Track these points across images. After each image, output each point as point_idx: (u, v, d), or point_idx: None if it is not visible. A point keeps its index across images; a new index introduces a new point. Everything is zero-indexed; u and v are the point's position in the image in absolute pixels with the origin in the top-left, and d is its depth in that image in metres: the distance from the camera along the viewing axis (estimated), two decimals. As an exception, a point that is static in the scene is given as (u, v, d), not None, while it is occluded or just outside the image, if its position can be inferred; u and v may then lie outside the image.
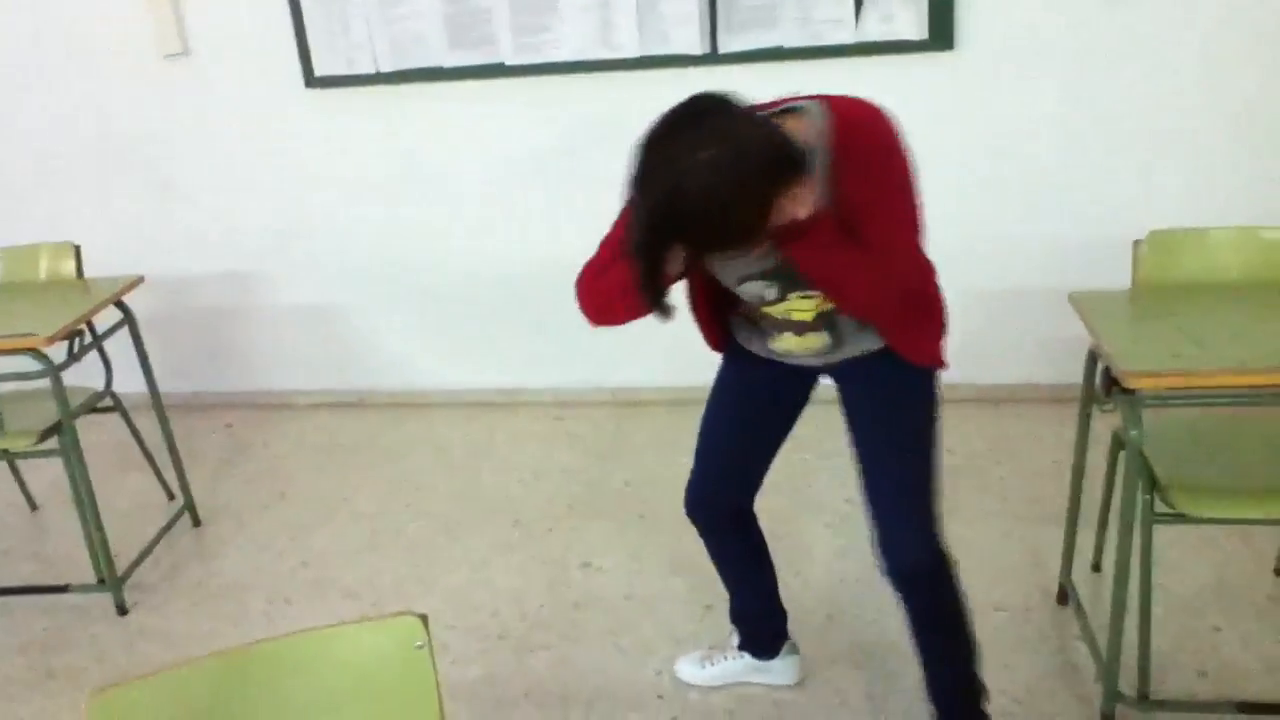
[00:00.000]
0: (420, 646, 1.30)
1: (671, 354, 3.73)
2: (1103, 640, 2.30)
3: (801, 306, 1.87)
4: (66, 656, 2.80)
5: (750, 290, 1.88)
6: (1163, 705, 2.29)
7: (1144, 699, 2.27)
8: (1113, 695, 2.23)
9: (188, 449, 3.50)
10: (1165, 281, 2.46)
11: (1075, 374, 2.48)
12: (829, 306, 1.87)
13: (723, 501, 2.21)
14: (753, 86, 3.32)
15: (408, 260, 4.01)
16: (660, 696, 2.47)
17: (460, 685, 2.55)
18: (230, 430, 4.09)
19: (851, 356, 1.96)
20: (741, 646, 2.46)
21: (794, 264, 1.73)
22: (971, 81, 3.46)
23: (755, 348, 2.03)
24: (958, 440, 3.47)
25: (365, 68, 3.71)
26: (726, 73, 3.52)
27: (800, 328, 1.91)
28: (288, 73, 3.77)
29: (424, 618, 1.31)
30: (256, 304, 4.16)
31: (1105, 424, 2.42)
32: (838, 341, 1.93)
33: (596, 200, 3.82)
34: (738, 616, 2.45)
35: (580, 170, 3.78)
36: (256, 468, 3.77)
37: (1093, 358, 2.36)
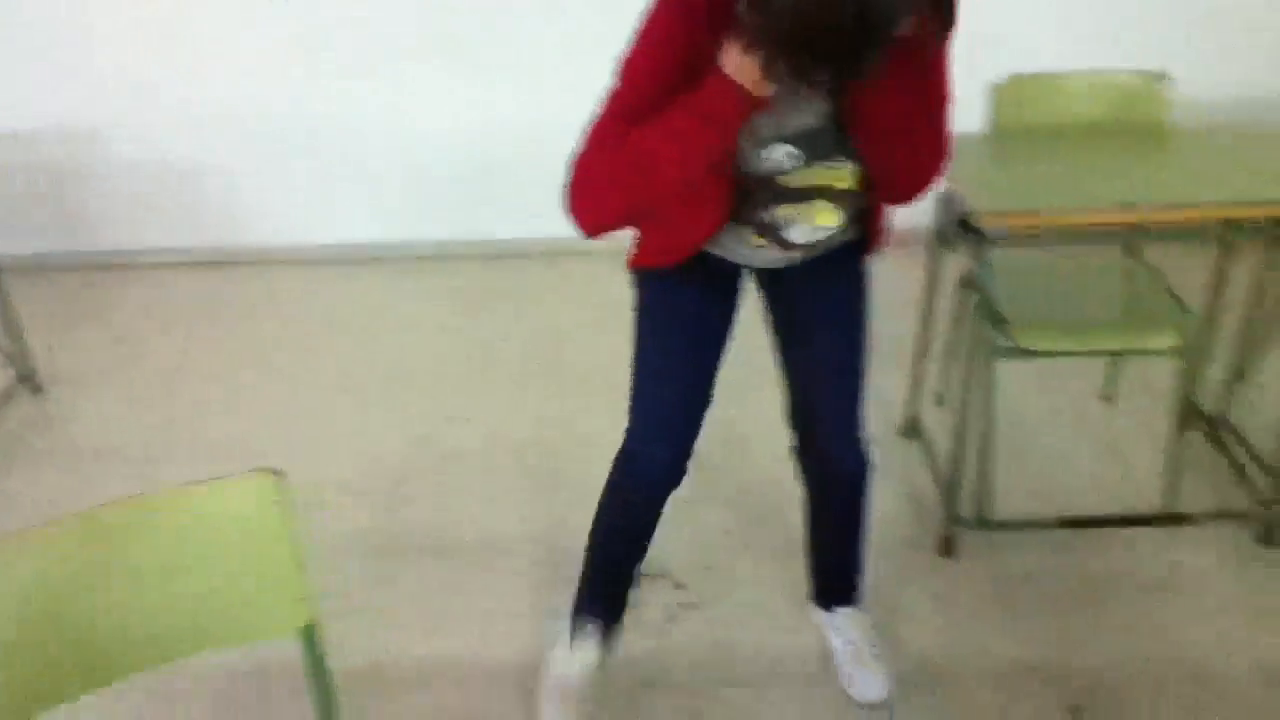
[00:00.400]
0: (276, 502, 1.30)
1: (545, 204, 3.68)
2: (946, 469, 2.44)
3: (838, 175, 1.59)
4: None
5: (773, 157, 1.56)
6: (998, 526, 2.45)
7: (982, 521, 2.43)
8: (953, 519, 2.39)
9: (28, 315, 3.32)
10: (1020, 125, 2.52)
11: (923, 218, 2.55)
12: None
13: (682, 452, 1.90)
14: None
15: (269, 111, 3.80)
16: (532, 540, 2.53)
17: (335, 539, 2.56)
18: (76, 294, 3.89)
19: (829, 248, 1.73)
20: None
21: (855, 115, 1.52)
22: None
23: (716, 249, 1.75)
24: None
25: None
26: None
27: (836, 198, 1.62)
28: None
29: (279, 473, 1.30)
30: (102, 161, 3.90)
31: (953, 267, 2.51)
32: (843, 225, 1.68)
33: (473, 44, 3.70)
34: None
35: (456, 14, 3.62)
36: (104, 331, 3.62)
37: (944, 201, 2.42)
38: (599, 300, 3.54)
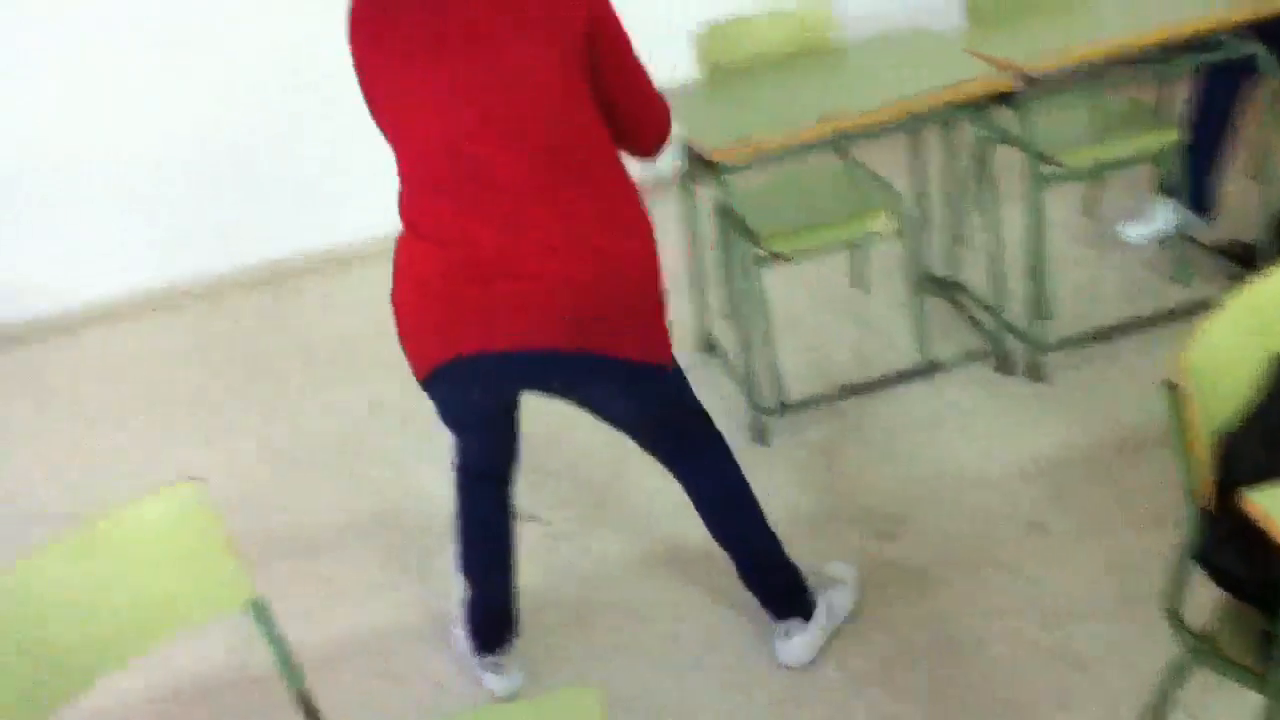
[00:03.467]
0: (202, 503, 1.52)
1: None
2: (741, 371, 2.83)
3: None
4: None
5: None
6: (793, 407, 2.87)
7: (782, 406, 2.84)
8: (757, 409, 2.78)
9: None
10: (724, 64, 2.91)
11: (669, 163, 2.91)
12: None
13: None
14: None
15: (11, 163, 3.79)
16: (396, 520, 2.78)
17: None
18: None
19: None
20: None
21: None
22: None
23: None
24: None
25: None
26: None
27: None
28: None
29: (200, 480, 1.53)
30: None
31: (705, 200, 2.88)
32: None
33: (232, 76, 3.75)
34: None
35: (217, 43, 3.71)
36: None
37: (683, 145, 2.79)
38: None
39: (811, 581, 2.17)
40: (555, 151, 1.68)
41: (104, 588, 1.48)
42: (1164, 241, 3.24)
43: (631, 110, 1.77)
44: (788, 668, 2.15)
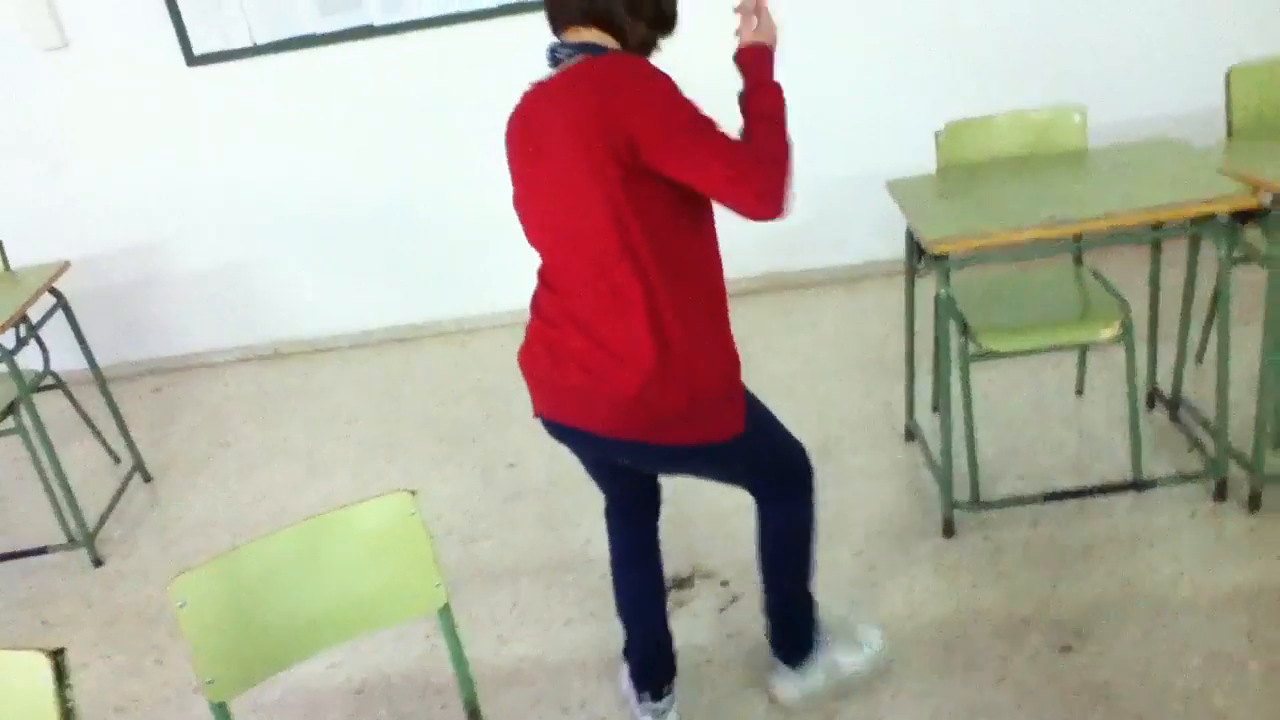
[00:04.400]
0: (413, 514, 1.72)
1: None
2: (941, 464, 2.83)
3: None
4: (58, 608, 3.13)
5: None
6: (990, 504, 2.85)
7: (975, 502, 2.83)
8: (949, 503, 2.78)
9: (123, 416, 3.78)
10: (962, 162, 2.96)
11: (900, 252, 2.99)
12: None
13: None
14: None
15: (301, 215, 4.32)
16: (589, 560, 2.94)
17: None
18: (159, 394, 4.38)
19: None
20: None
21: None
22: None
23: None
24: (815, 318, 4.00)
25: (241, 41, 3.96)
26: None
27: None
28: (167, 54, 4.00)
29: (413, 492, 1.73)
30: (164, 272, 4.42)
31: (933, 288, 2.93)
32: None
33: (467, 144, 4.18)
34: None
35: (452, 118, 4.12)
36: (192, 423, 4.09)
37: (910, 233, 2.86)
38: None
39: (829, 635, 2.34)
40: (601, 267, 1.84)
41: (315, 578, 1.70)
42: None
43: (710, 185, 1.75)
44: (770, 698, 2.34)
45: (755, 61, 1.91)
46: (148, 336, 4.54)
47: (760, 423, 2.04)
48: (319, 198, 4.29)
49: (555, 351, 1.95)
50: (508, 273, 4.33)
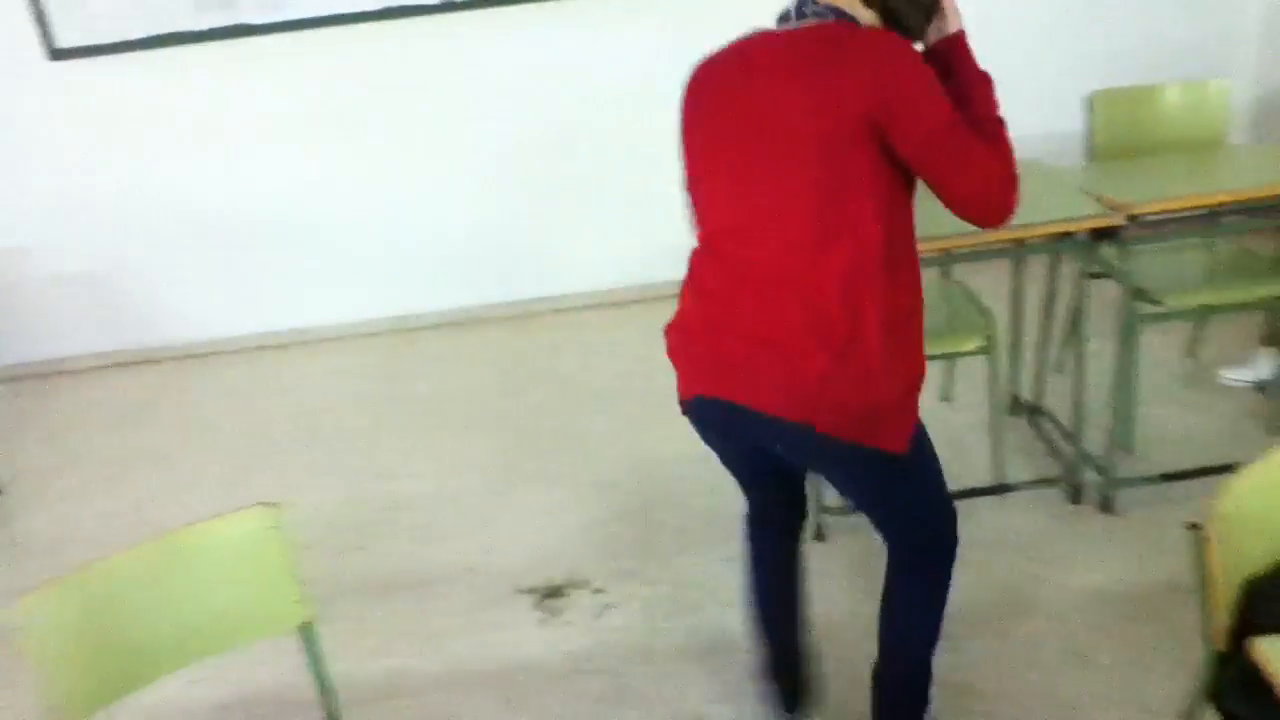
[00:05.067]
0: (274, 528, 1.67)
1: (442, 278, 4.12)
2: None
3: None
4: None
5: None
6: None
7: (845, 508, 2.88)
8: (819, 508, 2.83)
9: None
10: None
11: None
12: None
13: None
14: (496, 32, 3.70)
15: (169, 219, 4.18)
16: (469, 570, 2.90)
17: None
18: (11, 402, 4.17)
19: None
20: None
21: None
22: None
23: None
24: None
25: (110, 36, 3.81)
26: (463, 17, 3.85)
27: None
28: (27, 47, 3.82)
29: (274, 505, 1.68)
30: (23, 276, 4.22)
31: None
32: None
33: (351, 148, 4.12)
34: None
35: (332, 120, 4.04)
36: (46, 433, 3.91)
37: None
38: (500, 360, 3.97)
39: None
40: (809, 241, 1.69)
41: (171, 595, 1.64)
42: (1264, 390, 3.19)
43: (953, 191, 1.69)
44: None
45: (964, 51, 1.81)
46: (2, 342, 4.32)
47: (923, 455, 1.89)
48: (187, 201, 4.16)
49: (723, 326, 1.80)
50: (379, 279, 4.30)
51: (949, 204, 1.71)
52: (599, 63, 4.02)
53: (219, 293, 4.33)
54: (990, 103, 1.78)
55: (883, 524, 1.98)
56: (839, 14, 1.71)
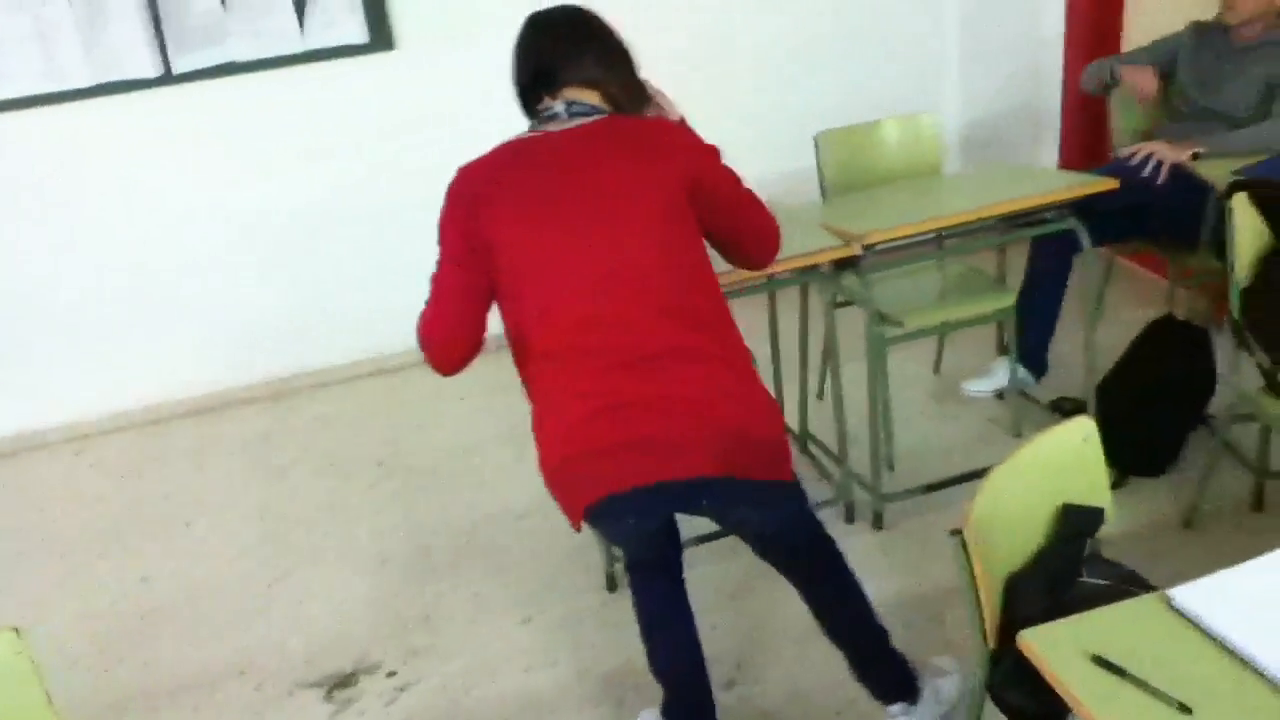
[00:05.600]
0: (19, 653, 1.51)
1: (195, 360, 3.90)
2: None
3: None
4: None
5: None
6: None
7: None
8: (608, 556, 2.83)
9: None
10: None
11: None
12: None
13: None
14: (211, 102, 3.62)
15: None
16: (242, 672, 2.72)
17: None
18: None
19: None
20: None
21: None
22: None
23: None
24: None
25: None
26: (184, 91, 3.69)
27: None
28: None
29: (20, 630, 1.52)
30: None
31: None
32: None
33: (67, 234, 3.84)
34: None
35: (38, 206, 3.78)
36: None
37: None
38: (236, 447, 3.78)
39: (917, 668, 2.26)
40: (675, 306, 1.84)
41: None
42: (1003, 397, 3.45)
43: (749, 235, 2.03)
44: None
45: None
46: None
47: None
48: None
49: (618, 414, 1.82)
50: (128, 365, 4.02)
51: (744, 246, 2.03)
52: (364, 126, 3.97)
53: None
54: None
55: (798, 537, 2.14)
56: (599, 110, 1.91)
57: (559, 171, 1.84)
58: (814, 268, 2.71)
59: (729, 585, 2.80)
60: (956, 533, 1.56)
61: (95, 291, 3.93)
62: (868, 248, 2.71)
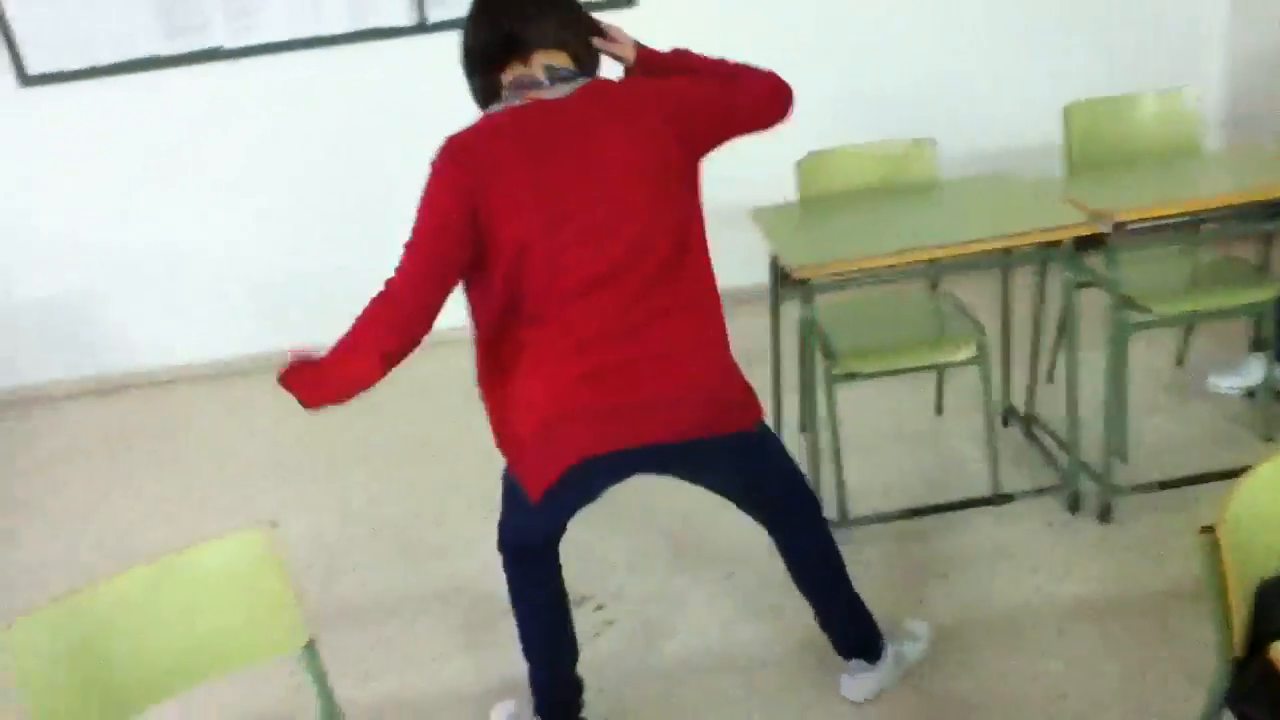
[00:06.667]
0: (268, 551, 1.63)
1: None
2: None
3: None
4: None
5: None
6: (855, 522, 2.89)
7: (842, 520, 2.86)
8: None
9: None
10: (823, 191, 3.02)
11: (763, 277, 3.02)
12: None
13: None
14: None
15: (138, 246, 4.13)
16: (458, 590, 2.86)
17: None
18: (-9, 432, 4.11)
19: None
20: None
21: None
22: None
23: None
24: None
25: (79, 63, 3.77)
26: (437, 40, 3.83)
27: None
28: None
29: (272, 525, 1.64)
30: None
31: (796, 313, 2.97)
32: None
33: (321, 172, 4.08)
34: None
35: (302, 146, 4.01)
36: (26, 460, 3.84)
37: (773, 260, 2.89)
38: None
39: (885, 630, 2.33)
40: (671, 265, 1.86)
41: (163, 621, 1.59)
42: (1254, 395, 3.20)
43: (759, 117, 1.98)
44: (851, 701, 2.31)
45: (655, 54, 2.03)
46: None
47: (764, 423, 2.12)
48: (163, 226, 4.11)
49: (607, 377, 1.86)
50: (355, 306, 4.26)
51: (760, 121, 1.98)
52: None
53: (190, 320, 4.28)
54: (706, 58, 2.02)
55: (784, 493, 2.17)
56: (576, 75, 1.88)
57: (557, 139, 1.80)
58: (1056, 244, 2.58)
59: (938, 559, 2.73)
60: (1208, 530, 1.45)
61: (337, 241, 4.17)
62: (1118, 225, 2.56)
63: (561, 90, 1.84)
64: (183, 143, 4.00)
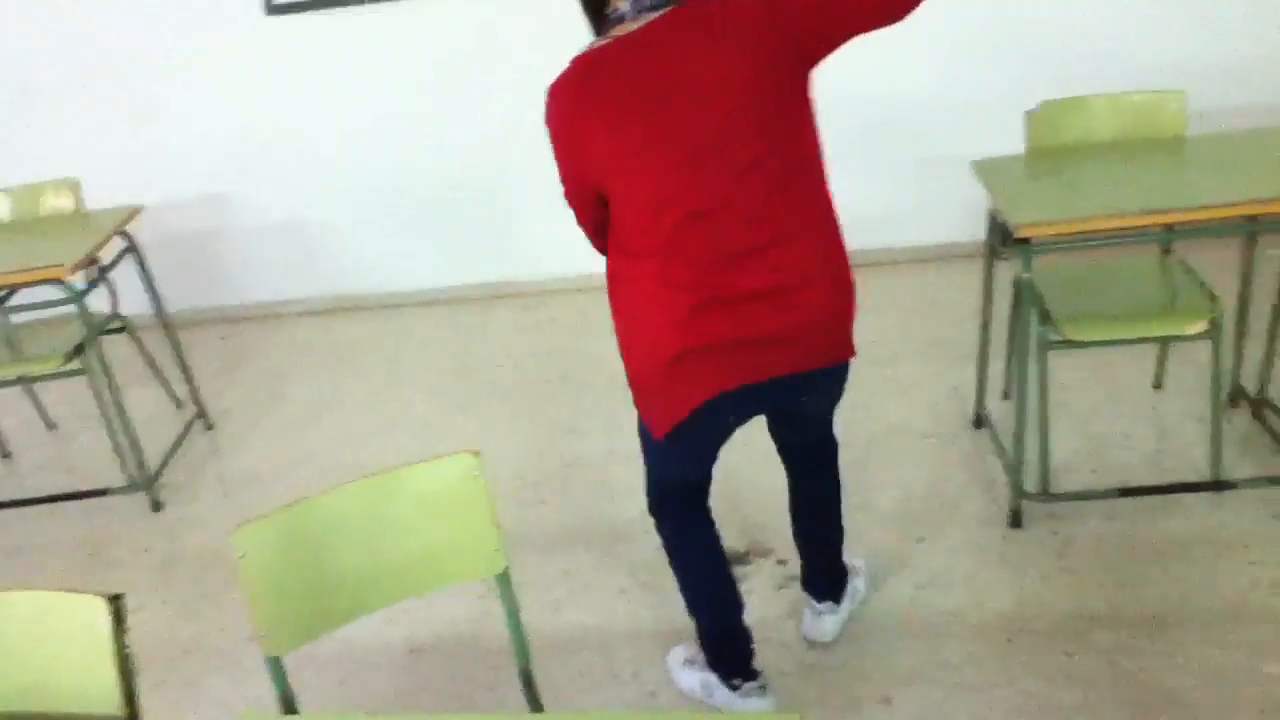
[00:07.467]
0: (477, 476, 1.69)
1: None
2: (1012, 452, 2.75)
3: None
4: (116, 549, 3.16)
5: None
6: (1060, 497, 2.76)
7: (1045, 494, 2.75)
8: (1019, 493, 2.70)
9: (188, 362, 3.80)
10: (1054, 144, 2.86)
11: (979, 234, 2.90)
12: None
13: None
14: None
15: (372, 172, 4.31)
16: (645, 531, 2.90)
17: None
18: (225, 342, 4.41)
19: None
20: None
21: None
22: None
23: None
24: (890, 299, 3.91)
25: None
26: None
27: None
28: (248, 2, 4.01)
29: (476, 453, 1.69)
30: (235, 223, 4.44)
31: (1007, 274, 2.84)
32: None
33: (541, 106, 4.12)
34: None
35: (526, 78, 4.06)
36: (256, 373, 4.11)
37: (993, 215, 2.76)
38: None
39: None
40: (782, 187, 1.81)
41: (375, 535, 1.68)
42: None
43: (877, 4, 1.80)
44: (817, 642, 2.42)
45: None
46: (217, 285, 4.56)
47: None
48: (391, 154, 4.28)
49: (728, 309, 1.84)
50: (578, 237, 4.33)
51: (884, 9, 1.76)
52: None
53: (420, 245, 4.44)
54: None
55: (824, 429, 2.22)
56: (664, 3, 1.78)
57: (648, 70, 1.77)
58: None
59: (1148, 543, 2.59)
60: None
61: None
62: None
63: (645, 19, 1.79)
64: (413, 72, 4.12)
